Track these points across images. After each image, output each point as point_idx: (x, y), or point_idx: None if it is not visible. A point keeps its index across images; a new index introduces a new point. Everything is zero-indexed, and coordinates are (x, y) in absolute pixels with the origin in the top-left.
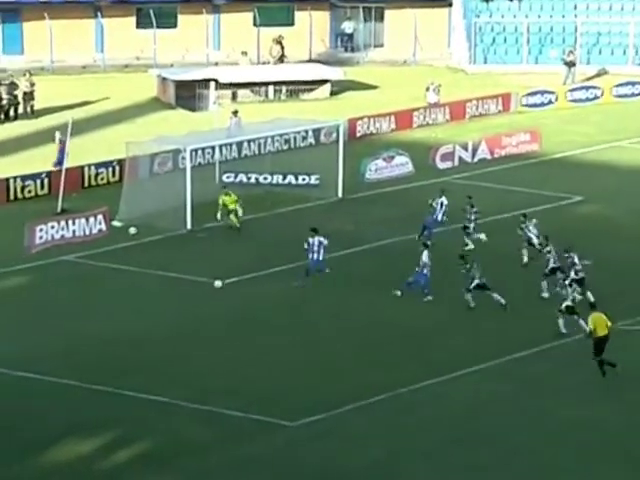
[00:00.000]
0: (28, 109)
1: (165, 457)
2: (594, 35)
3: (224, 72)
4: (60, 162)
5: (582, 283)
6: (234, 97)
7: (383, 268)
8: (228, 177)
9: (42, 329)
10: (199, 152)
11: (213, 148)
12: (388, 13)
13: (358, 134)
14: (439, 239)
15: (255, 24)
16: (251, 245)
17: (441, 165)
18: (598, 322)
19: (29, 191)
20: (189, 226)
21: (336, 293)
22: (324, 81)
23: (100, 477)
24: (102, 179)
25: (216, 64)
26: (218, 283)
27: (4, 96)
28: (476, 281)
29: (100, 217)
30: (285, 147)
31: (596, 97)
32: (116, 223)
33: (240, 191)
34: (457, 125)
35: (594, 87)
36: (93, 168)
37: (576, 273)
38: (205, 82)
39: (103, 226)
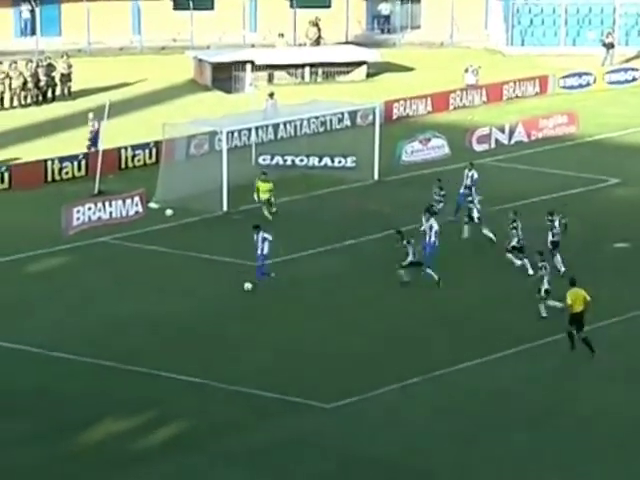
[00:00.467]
0: (65, 91)
1: (200, 438)
2: (633, 16)
3: (260, 54)
4: (94, 144)
5: (556, 246)
6: (270, 79)
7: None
8: (264, 159)
9: (78, 310)
10: (235, 134)
11: (249, 130)
12: None
13: (394, 116)
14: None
15: (292, 6)
16: (287, 227)
17: (477, 147)
18: (576, 298)
19: (66, 173)
20: (225, 208)
21: (372, 276)
22: (360, 63)
23: (135, 458)
24: (139, 161)
25: (252, 46)
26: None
27: (42, 78)
28: (410, 258)
29: (137, 199)
30: (321, 129)
31: (634, 79)
32: (153, 205)
33: (276, 173)
34: (494, 107)
35: (633, 69)
36: (130, 150)
37: (552, 236)
38: (241, 64)
39: (140, 208)
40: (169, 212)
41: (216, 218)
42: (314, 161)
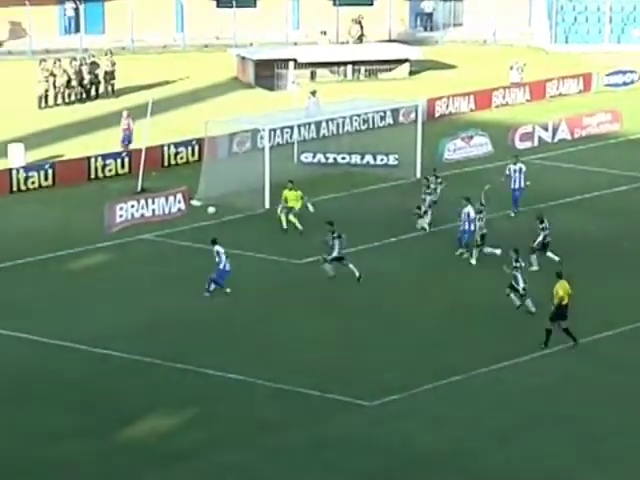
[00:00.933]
0: (109, 88)
1: (243, 435)
2: None
3: (303, 52)
4: (128, 141)
5: (546, 246)
6: (313, 77)
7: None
8: (306, 157)
9: (122, 307)
10: (277, 132)
11: (291, 128)
12: None
13: (437, 114)
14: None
15: (334, 3)
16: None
17: (520, 145)
18: (564, 289)
19: (110, 170)
20: (267, 206)
21: (417, 274)
22: (403, 61)
23: (180, 454)
24: (181, 158)
25: (295, 44)
26: (211, 209)
27: (86, 76)
28: (335, 253)
29: (179, 196)
30: (363, 127)
31: None
32: (195, 202)
33: (318, 171)
34: (537, 105)
35: None
36: (173, 147)
37: (544, 238)
38: (284, 62)
39: (182, 205)
40: (211, 210)
41: (258, 216)
42: (356, 159)
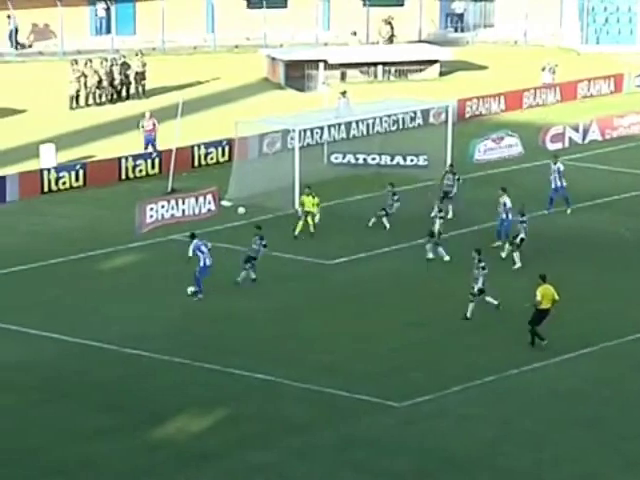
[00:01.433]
0: (139, 89)
1: (271, 436)
2: None
3: (333, 52)
4: (151, 143)
5: (522, 242)
6: (343, 77)
7: (492, 249)
8: (336, 158)
9: (152, 307)
10: (307, 132)
11: (321, 128)
12: None
13: (467, 115)
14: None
15: (365, 4)
16: (359, 225)
17: (551, 146)
18: (545, 294)
19: (140, 170)
20: (297, 206)
21: (447, 273)
22: (433, 61)
23: (208, 454)
24: (212, 159)
25: (325, 44)
26: (241, 209)
27: (116, 76)
28: (250, 253)
29: (209, 197)
30: (393, 128)
31: None
32: (225, 203)
33: (348, 171)
34: (568, 106)
35: None
36: (203, 148)
37: (525, 234)
38: (314, 62)
39: (212, 206)
40: (241, 210)
41: (288, 216)
42: (386, 159)
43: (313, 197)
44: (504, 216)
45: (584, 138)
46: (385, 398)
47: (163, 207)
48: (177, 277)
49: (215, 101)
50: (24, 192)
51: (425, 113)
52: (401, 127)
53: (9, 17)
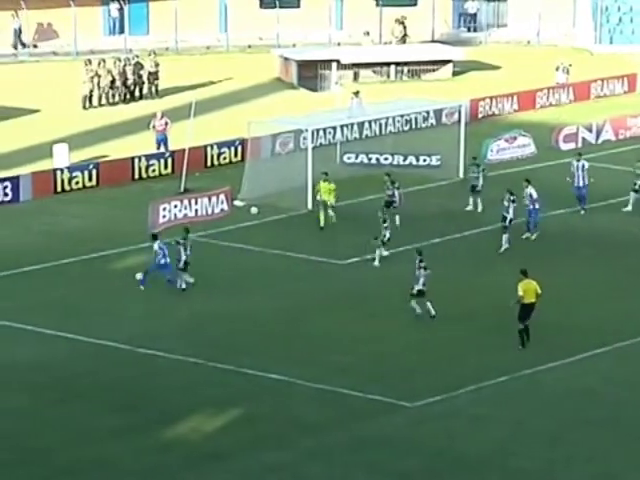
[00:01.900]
0: (152, 89)
1: (284, 436)
2: None
3: (346, 52)
4: (163, 143)
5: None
6: (356, 77)
7: (507, 249)
8: (349, 157)
9: (165, 307)
10: (320, 132)
11: (334, 128)
12: None
13: (480, 115)
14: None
15: (377, 4)
16: (372, 225)
17: (564, 146)
18: (527, 289)
19: (153, 170)
20: (310, 206)
21: (459, 274)
22: (446, 61)
23: (220, 453)
24: (224, 159)
25: (338, 44)
26: (254, 209)
27: (130, 76)
28: (183, 258)
29: (222, 197)
30: (406, 128)
31: None
32: (238, 203)
33: (360, 171)
34: (581, 106)
35: None
36: (216, 148)
37: (512, 214)
38: (327, 62)
39: (225, 206)
40: (254, 210)
41: (300, 216)
42: (399, 159)
43: (329, 183)
44: (531, 207)
45: (597, 138)
46: (397, 398)
47: (176, 207)
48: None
49: (228, 101)
50: (37, 192)
51: (438, 113)
52: (414, 127)
53: (13, 17)
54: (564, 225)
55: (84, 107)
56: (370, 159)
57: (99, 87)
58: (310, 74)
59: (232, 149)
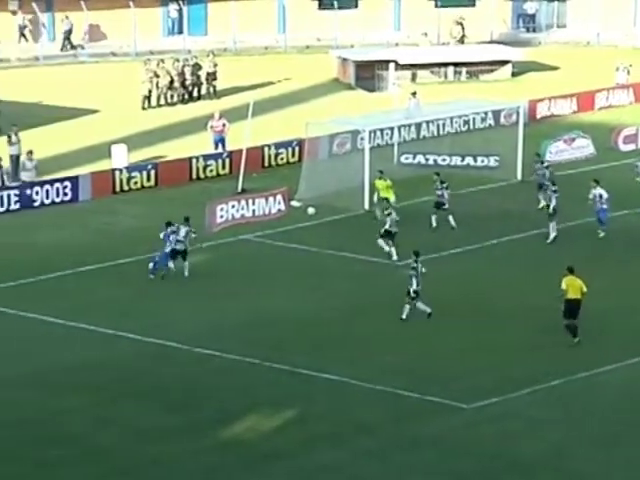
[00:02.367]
0: (211, 89)
1: (339, 436)
2: None
3: (404, 53)
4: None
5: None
6: (413, 78)
7: (563, 250)
8: (406, 158)
9: (221, 307)
10: (377, 133)
11: (392, 129)
12: None
13: (538, 116)
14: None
15: (436, 5)
16: (428, 226)
17: (624, 147)
18: (571, 285)
19: (211, 170)
20: (367, 207)
21: (517, 275)
22: (505, 62)
23: (276, 454)
24: (282, 159)
25: (396, 45)
26: (311, 210)
27: (188, 77)
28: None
29: (279, 197)
30: (464, 128)
31: None
32: (295, 203)
33: (418, 172)
34: None
35: None
36: (273, 148)
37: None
38: (385, 63)
39: (282, 206)
40: (311, 210)
41: (357, 216)
42: (456, 160)
43: (385, 180)
44: (604, 206)
45: None
46: (453, 399)
47: (233, 207)
48: (247, 277)
49: (285, 101)
50: (96, 192)
51: (496, 114)
52: (472, 128)
53: (67, 17)
54: (627, 226)
55: (143, 107)
56: (427, 160)
57: (158, 87)
58: (368, 75)
59: (289, 149)
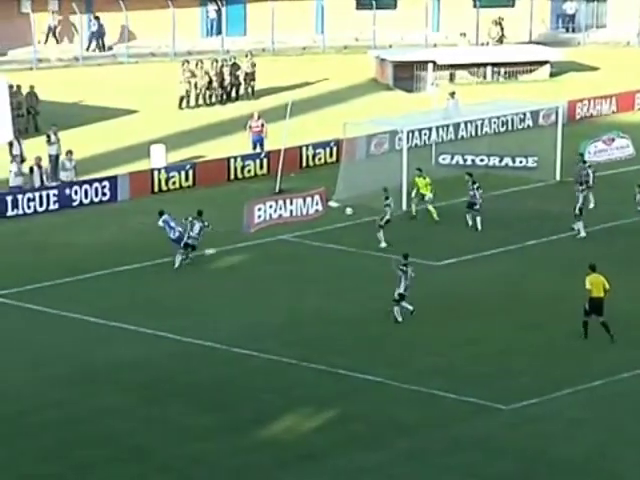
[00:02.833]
0: (249, 90)
1: (378, 437)
2: None
3: (442, 53)
4: (259, 143)
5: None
6: (452, 78)
7: (601, 251)
8: (444, 158)
9: (260, 307)
10: (415, 133)
11: (430, 129)
12: None
13: (577, 116)
14: None
15: (475, 5)
16: (467, 227)
17: None
18: (594, 283)
19: (249, 171)
20: (404, 207)
21: (555, 276)
22: (544, 62)
23: (314, 455)
24: (320, 159)
25: (434, 45)
26: (349, 210)
27: (226, 77)
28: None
29: (317, 197)
30: (502, 129)
31: None
32: (333, 203)
33: (456, 172)
34: None
35: None
36: (311, 148)
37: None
38: (423, 63)
39: (320, 206)
40: (349, 211)
41: (395, 217)
42: (495, 161)
43: (424, 178)
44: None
45: None
46: (492, 400)
47: (271, 207)
48: (285, 277)
49: (324, 102)
50: (135, 192)
51: (535, 114)
52: (510, 128)
53: (97, 18)
54: None
55: (180, 107)
56: (465, 160)
57: (196, 88)
58: (406, 75)
59: (327, 150)
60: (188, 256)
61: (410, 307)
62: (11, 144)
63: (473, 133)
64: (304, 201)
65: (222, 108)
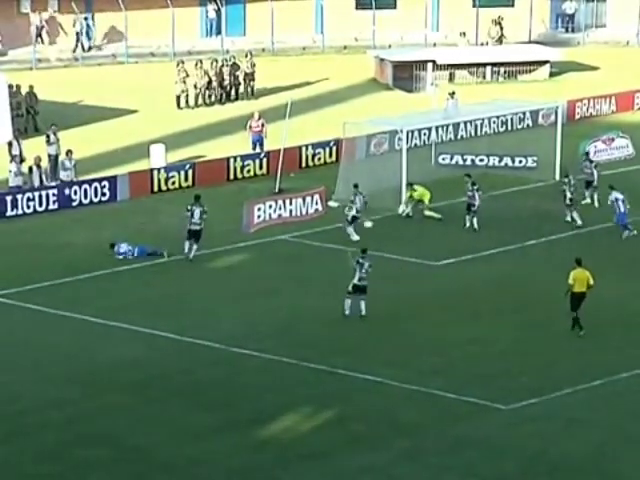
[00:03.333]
0: (248, 90)
1: (378, 437)
2: None
3: (442, 53)
4: (259, 143)
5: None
6: (451, 78)
7: (604, 251)
8: (444, 158)
9: (258, 307)
10: (415, 133)
11: (429, 129)
12: None
13: (577, 116)
14: None
15: (474, 5)
16: (464, 227)
17: None
18: (578, 278)
19: (248, 171)
20: (402, 207)
21: (554, 275)
22: (543, 62)
23: (314, 455)
24: (319, 159)
25: (434, 45)
26: (368, 223)
27: (226, 77)
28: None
29: (317, 197)
30: (502, 129)
31: None
32: (332, 203)
33: (455, 172)
34: None
35: None
36: (310, 148)
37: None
38: (423, 63)
39: (320, 206)
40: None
41: (395, 217)
42: (494, 161)
43: (415, 190)
44: (622, 210)
45: None
46: (492, 400)
47: (270, 207)
48: (285, 277)
49: (323, 102)
50: (134, 191)
51: (534, 114)
52: (510, 128)
53: (86, 19)
54: None
55: (179, 107)
56: (465, 160)
57: (196, 88)
58: (406, 75)
59: (327, 150)
60: (191, 248)
61: (364, 312)
62: (10, 144)
63: (473, 133)
64: (304, 201)
65: (222, 108)
